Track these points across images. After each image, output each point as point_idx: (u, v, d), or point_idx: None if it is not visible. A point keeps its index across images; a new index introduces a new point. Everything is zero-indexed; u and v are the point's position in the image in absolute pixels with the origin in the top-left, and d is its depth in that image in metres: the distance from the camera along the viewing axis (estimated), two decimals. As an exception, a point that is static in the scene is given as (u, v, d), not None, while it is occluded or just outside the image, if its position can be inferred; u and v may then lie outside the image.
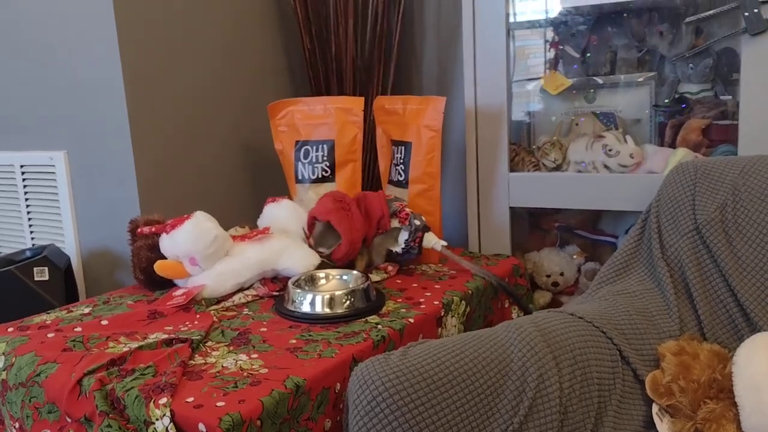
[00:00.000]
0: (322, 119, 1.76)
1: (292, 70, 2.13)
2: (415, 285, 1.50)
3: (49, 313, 1.36)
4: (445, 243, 1.54)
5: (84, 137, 1.76)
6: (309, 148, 1.77)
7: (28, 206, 1.90)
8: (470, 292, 1.46)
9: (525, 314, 1.61)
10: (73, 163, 1.80)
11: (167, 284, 1.46)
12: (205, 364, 1.10)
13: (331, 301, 1.30)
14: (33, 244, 1.90)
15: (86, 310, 1.36)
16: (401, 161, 1.68)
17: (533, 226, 2.03)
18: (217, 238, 1.37)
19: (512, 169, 1.73)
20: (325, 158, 1.76)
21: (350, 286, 1.38)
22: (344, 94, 1.95)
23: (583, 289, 1.86)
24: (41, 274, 1.53)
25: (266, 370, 1.07)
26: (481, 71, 1.72)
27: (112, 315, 1.32)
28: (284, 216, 1.57)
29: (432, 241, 1.54)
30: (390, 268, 1.57)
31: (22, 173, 1.89)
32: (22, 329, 1.27)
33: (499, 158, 1.71)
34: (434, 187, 1.64)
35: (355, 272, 1.42)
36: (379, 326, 1.25)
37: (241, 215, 1.91)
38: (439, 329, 1.36)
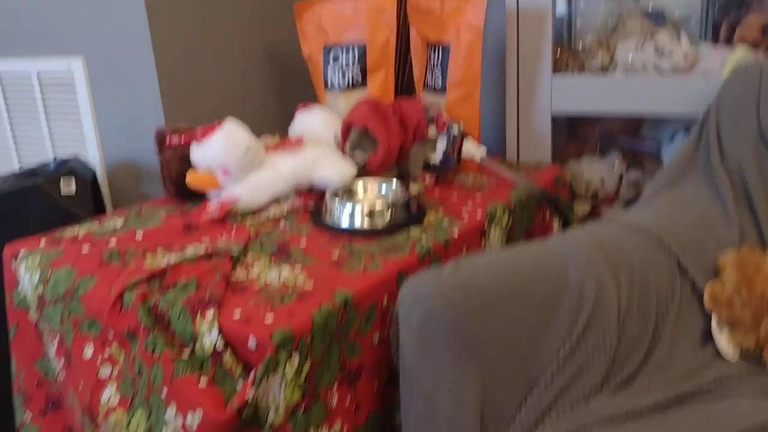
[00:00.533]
0: (352, 20, 1.65)
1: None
2: (455, 196, 1.44)
3: (80, 226, 1.32)
4: (485, 152, 1.47)
5: (102, 42, 1.66)
6: (339, 52, 1.67)
7: (47, 116, 1.84)
8: (513, 203, 1.40)
9: (566, 226, 1.56)
10: (91, 69, 1.71)
11: (198, 195, 1.40)
12: (248, 277, 1.07)
13: (372, 214, 1.24)
14: (55, 157, 1.85)
15: (119, 223, 1.32)
16: (438, 65, 1.58)
17: (572, 133, 1.95)
18: (251, 148, 1.31)
19: (555, 72, 1.63)
20: (356, 63, 1.66)
21: (390, 197, 1.33)
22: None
23: (624, 198, 1.80)
24: (68, 187, 1.48)
25: (311, 283, 1.03)
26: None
27: (146, 228, 1.27)
28: (316, 124, 1.49)
29: (471, 150, 1.47)
30: (427, 178, 1.51)
31: (40, 82, 1.81)
32: (55, 243, 1.23)
33: (541, 60, 1.61)
34: (474, 93, 1.55)
35: (394, 183, 1.36)
36: (423, 239, 1.20)
37: (268, 123, 1.84)
38: (483, 242, 1.31)
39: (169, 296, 1.00)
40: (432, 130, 1.46)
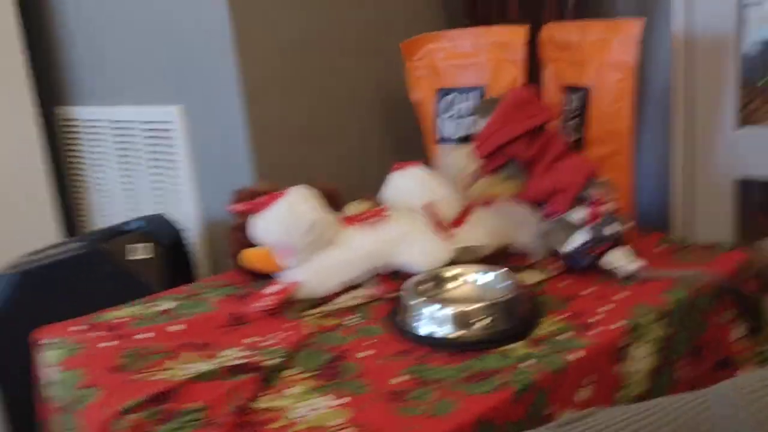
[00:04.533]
0: (470, 59, 1.35)
1: (444, -1, 1.71)
2: (589, 291, 1.06)
3: (128, 307, 1.14)
4: (641, 264, 1.06)
5: (198, 91, 1.52)
6: (454, 97, 1.37)
7: (151, 166, 1.74)
8: (671, 307, 1.00)
9: (754, 333, 1.11)
10: (189, 119, 1.58)
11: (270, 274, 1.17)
12: (272, 408, 0.80)
13: (460, 320, 0.92)
14: (159, 210, 1.74)
15: (169, 305, 1.13)
16: (576, 113, 1.23)
17: (764, 199, 1.47)
18: (316, 225, 1.05)
19: (744, 123, 1.20)
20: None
21: (489, 294, 1.00)
22: (508, 22, 1.50)
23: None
24: (138, 251, 1.33)
25: (352, 431, 0.74)
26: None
27: (191, 317, 1.06)
28: (411, 189, 1.20)
29: (619, 261, 1.07)
30: (556, 264, 1.14)
31: (144, 130, 1.72)
32: (90, 329, 1.06)
33: (722, 107, 1.19)
34: (623, 151, 1.17)
35: (500, 272, 1.03)
36: (526, 363, 0.85)
37: (373, 184, 1.57)
38: (617, 366, 0.93)
39: (165, 430, 0.77)
40: (575, 214, 1.09)
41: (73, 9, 1.87)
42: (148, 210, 1.78)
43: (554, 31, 1.28)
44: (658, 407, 0.69)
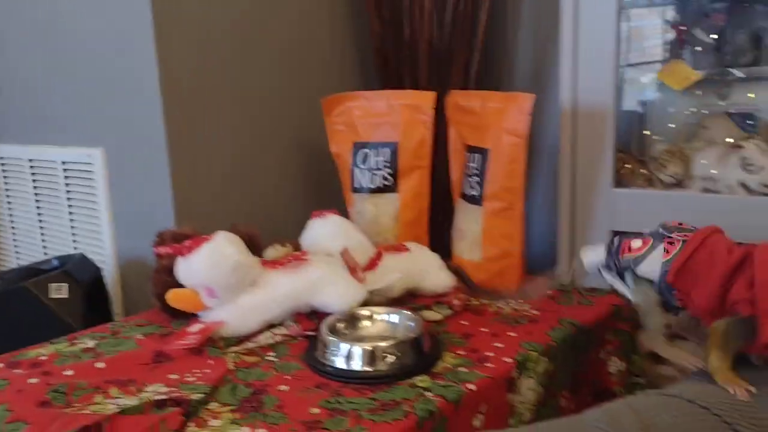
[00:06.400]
0: (384, 117, 1.48)
1: (362, 61, 1.85)
2: (485, 329, 1.20)
3: (51, 344, 1.17)
4: None
5: (120, 135, 1.57)
6: (368, 151, 1.50)
7: (70, 206, 1.75)
8: (554, 344, 1.15)
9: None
10: (110, 162, 1.62)
11: (190, 313, 1.23)
12: (197, 440, 0.86)
13: (371, 356, 1.02)
14: (75, 249, 1.75)
15: (90, 343, 1.16)
16: (476, 171, 1.37)
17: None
18: (239, 267, 1.13)
19: (618, 184, 1.38)
20: (386, 164, 1.48)
21: (398, 332, 1.11)
22: (419, 87, 1.65)
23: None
24: (59, 290, 1.35)
25: (268, 458, 0.82)
26: (584, 60, 1.38)
27: (114, 354, 1.11)
28: (329, 235, 1.30)
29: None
30: (456, 301, 1.27)
31: (64, 170, 1.74)
32: (11, 366, 1.08)
33: (601, 169, 1.37)
34: (515, 206, 1.32)
35: (406, 312, 1.14)
36: (429, 393, 0.96)
37: (293, 229, 1.67)
38: (508, 396, 1.06)
39: (92, 462, 0.82)
40: None
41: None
42: (64, 249, 1.79)
43: (458, 98, 1.43)
44: (537, 430, 0.82)
